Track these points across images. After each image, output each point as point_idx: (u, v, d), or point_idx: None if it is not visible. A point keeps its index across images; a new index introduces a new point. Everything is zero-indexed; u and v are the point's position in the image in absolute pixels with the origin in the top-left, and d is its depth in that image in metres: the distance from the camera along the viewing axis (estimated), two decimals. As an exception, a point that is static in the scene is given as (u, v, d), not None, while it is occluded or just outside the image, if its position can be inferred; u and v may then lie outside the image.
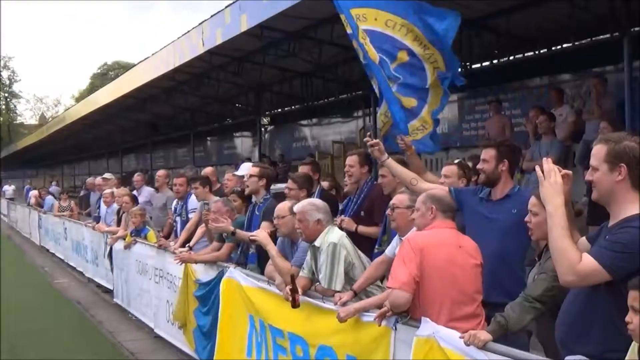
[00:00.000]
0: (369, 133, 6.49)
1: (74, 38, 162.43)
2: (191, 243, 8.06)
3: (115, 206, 11.71)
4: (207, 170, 9.71)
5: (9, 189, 43.27)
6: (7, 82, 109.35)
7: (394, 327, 4.14)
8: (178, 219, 9.24)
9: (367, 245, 5.63)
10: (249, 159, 18.63)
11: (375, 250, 5.60)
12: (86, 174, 47.04)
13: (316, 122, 22.86)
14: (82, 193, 28.53)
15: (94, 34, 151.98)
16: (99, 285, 13.05)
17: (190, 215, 8.76)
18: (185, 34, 15.40)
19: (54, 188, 30.78)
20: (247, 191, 7.26)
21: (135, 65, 22.88)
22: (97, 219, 13.43)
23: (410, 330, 3.96)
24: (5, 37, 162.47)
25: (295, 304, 4.85)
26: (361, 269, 5.02)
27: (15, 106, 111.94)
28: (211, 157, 29.36)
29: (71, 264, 16.19)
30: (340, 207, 6.65)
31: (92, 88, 61.43)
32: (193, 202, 8.69)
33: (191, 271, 7.54)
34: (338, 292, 4.82)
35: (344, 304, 4.59)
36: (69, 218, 17.16)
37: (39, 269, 16.66)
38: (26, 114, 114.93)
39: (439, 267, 3.97)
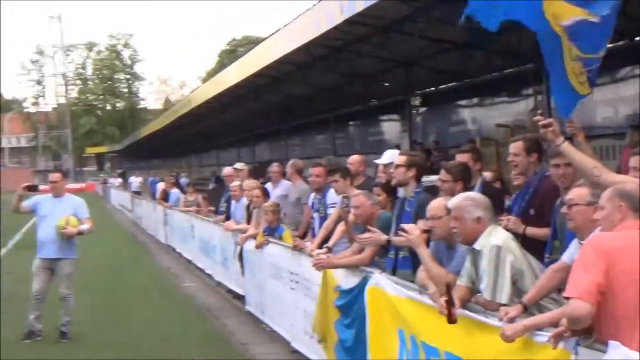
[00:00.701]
0: (539, 111, 6.19)
1: (199, 12, 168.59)
2: (329, 243, 8.05)
3: (244, 200, 11.94)
4: (354, 159, 9.50)
5: (135, 180, 45.25)
6: (129, 62, 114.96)
7: (573, 351, 3.84)
8: (316, 215, 9.28)
9: (537, 251, 5.33)
10: (397, 147, 18.39)
11: (546, 259, 5.33)
12: (214, 164, 48.58)
13: (477, 102, 22.41)
14: (211, 186, 29.46)
15: (222, 6, 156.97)
16: (229, 291, 13.39)
17: (329, 211, 8.77)
18: (320, 1, 15.39)
19: (183, 180, 31.67)
20: (393, 182, 7.15)
21: (265, 39, 23.19)
22: (224, 215, 13.77)
23: (595, 356, 3.70)
24: (125, 13, 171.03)
25: (451, 319, 4.68)
26: (532, 278, 4.76)
27: (137, 89, 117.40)
28: (354, 144, 29.36)
29: (199, 265, 16.74)
30: (507, 203, 6.41)
31: (220, 67, 63.15)
32: (332, 196, 8.69)
33: (330, 277, 7.52)
34: (504, 305, 4.60)
35: (511, 320, 4.37)
36: (196, 214, 17.65)
37: (164, 271, 17.34)
38: (150, 98, 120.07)
39: (631, 277, 3.69)
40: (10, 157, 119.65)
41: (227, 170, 14.68)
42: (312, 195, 9.57)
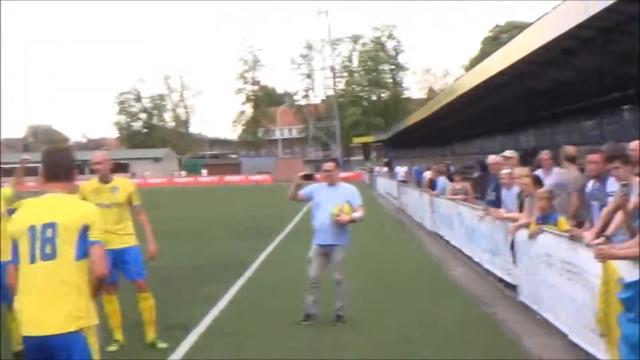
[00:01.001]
0: None
1: (461, 1, 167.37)
2: (607, 232, 7.66)
3: (515, 189, 11.67)
4: (637, 145, 8.92)
5: (400, 170, 45.84)
6: (393, 53, 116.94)
7: None
8: (595, 203, 8.82)
9: None
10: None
11: None
12: (477, 152, 48.02)
13: None
14: (476, 174, 29.08)
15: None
16: (500, 280, 13.13)
17: (608, 200, 8.31)
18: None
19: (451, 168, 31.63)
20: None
21: (530, 25, 22.43)
22: (491, 203, 13.52)
23: None
24: (387, 5, 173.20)
25: None
26: None
27: (401, 79, 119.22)
28: (629, 131, 27.73)
29: (466, 253, 16.58)
30: None
31: (483, 55, 62.45)
32: (612, 183, 8.23)
33: (612, 268, 7.10)
34: None
35: None
36: (462, 202, 17.54)
37: (431, 258, 17.36)
38: (413, 88, 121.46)
39: None
40: (283, 148, 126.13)
41: (493, 158, 14.32)
42: (590, 183, 9.11)
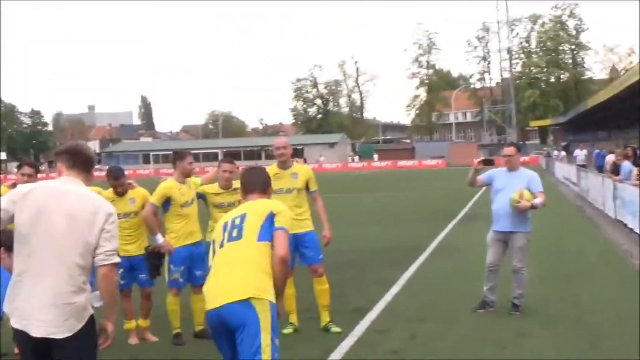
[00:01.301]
0: None
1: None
2: None
3: None
4: None
5: (580, 153, 44.12)
6: (574, 32, 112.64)
7: None
8: None
9: None
10: None
11: None
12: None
13: None
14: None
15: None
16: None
17: None
18: None
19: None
20: None
21: None
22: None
23: None
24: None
25: None
26: None
27: (582, 59, 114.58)
28: None
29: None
30: None
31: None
32: None
33: None
34: None
35: None
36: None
37: (614, 247, 16.58)
38: (595, 68, 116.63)
39: None
40: (457, 132, 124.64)
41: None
42: None
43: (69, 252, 4.69)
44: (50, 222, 4.70)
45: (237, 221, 5.39)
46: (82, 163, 4.97)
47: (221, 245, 5.36)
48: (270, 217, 5.33)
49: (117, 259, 4.80)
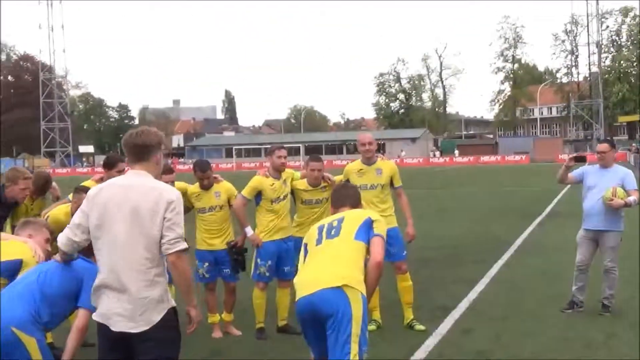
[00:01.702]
0: None
1: None
2: None
3: None
4: None
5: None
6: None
7: None
8: None
9: None
10: None
11: None
12: None
13: None
14: None
15: None
16: None
17: None
18: None
19: None
20: None
21: None
22: None
23: None
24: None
25: None
26: None
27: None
28: None
29: None
30: None
31: None
32: None
33: None
34: None
35: None
36: None
37: None
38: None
39: None
40: (542, 127, 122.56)
41: None
42: None
43: (135, 247, 4.74)
44: (115, 220, 4.78)
45: (335, 223, 5.50)
46: (136, 154, 4.97)
47: (318, 243, 5.45)
48: (368, 223, 5.44)
49: (183, 246, 4.76)
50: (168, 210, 4.75)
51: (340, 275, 5.13)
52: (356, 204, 5.92)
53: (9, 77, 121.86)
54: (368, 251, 5.36)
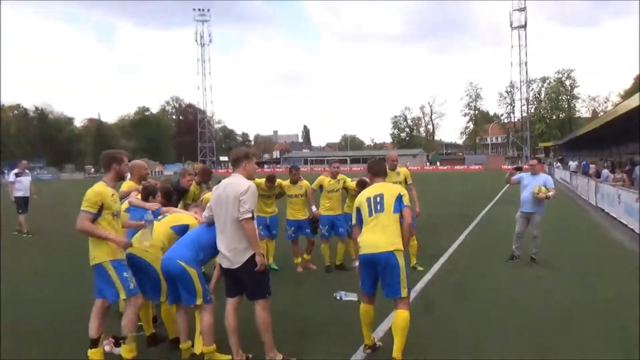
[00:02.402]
0: None
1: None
2: None
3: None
4: None
5: (572, 164, 41.04)
6: (569, 88, 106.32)
7: None
8: None
9: None
10: None
11: None
12: (630, 153, 41.94)
13: None
14: (627, 168, 25.36)
15: None
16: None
17: None
18: None
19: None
20: None
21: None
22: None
23: None
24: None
25: None
26: None
27: (574, 105, 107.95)
28: None
29: (623, 222, 14.50)
30: None
31: (635, 89, 54.21)
32: None
33: None
34: None
35: None
36: (622, 187, 15.34)
37: (595, 222, 15.37)
38: (582, 110, 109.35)
39: None
40: (492, 149, 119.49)
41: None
42: None
43: (230, 218, 4.83)
44: (220, 203, 4.93)
45: (378, 199, 5.16)
46: (232, 163, 5.09)
47: (370, 214, 5.15)
48: (399, 198, 5.16)
49: (248, 215, 4.73)
50: (241, 194, 4.79)
51: (390, 242, 4.99)
52: (384, 173, 5.61)
53: (180, 117, 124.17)
54: (401, 215, 5.14)
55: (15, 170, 14.85)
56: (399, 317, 4.90)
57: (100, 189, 4.93)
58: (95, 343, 4.94)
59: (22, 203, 14.64)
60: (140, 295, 5.06)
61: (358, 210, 5.31)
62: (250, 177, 5.03)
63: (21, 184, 14.69)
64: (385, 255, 4.95)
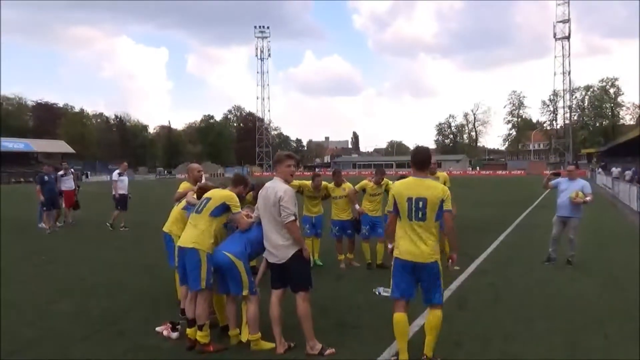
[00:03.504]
0: None
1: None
2: None
3: None
4: None
5: (615, 170, 39.09)
6: (613, 96, 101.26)
7: None
8: None
9: None
10: None
11: None
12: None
13: None
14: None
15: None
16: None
17: None
18: None
19: None
20: None
21: None
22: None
23: None
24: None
25: None
26: None
27: (618, 112, 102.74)
28: None
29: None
30: None
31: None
32: None
33: None
34: None
35: None
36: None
37: (634, 226, 14.53)
38: (626, 118, 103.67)
39: None
40: (534, 155, 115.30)
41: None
42: None
43: (273, 218, 4.90)
44: (264, 205, 4.99)
45: (420, 204, 4.57)
46: (273, 166, 5.22)
47: (410, 219, 4.61)
48: (441, 205, 4.60)
49: (291, 219, 4.77)
50: (279, 199, 4.82)
51: (431, 252, 4.60)
52: (429, 164, 4.75)
53: (241, 124, 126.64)
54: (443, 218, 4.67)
55: (118, 170, 15.27)
56: (435, 317, 4.68)
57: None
58: (199, 326, 5.16)
59: (122, 200, 15.09)
60: (211, 290, 5.22)
61: (395, 202, 4.73)
62: (286, 179, 5.00)
63: (122, 183, 15.10)
64: (425, 265, 4.63)
